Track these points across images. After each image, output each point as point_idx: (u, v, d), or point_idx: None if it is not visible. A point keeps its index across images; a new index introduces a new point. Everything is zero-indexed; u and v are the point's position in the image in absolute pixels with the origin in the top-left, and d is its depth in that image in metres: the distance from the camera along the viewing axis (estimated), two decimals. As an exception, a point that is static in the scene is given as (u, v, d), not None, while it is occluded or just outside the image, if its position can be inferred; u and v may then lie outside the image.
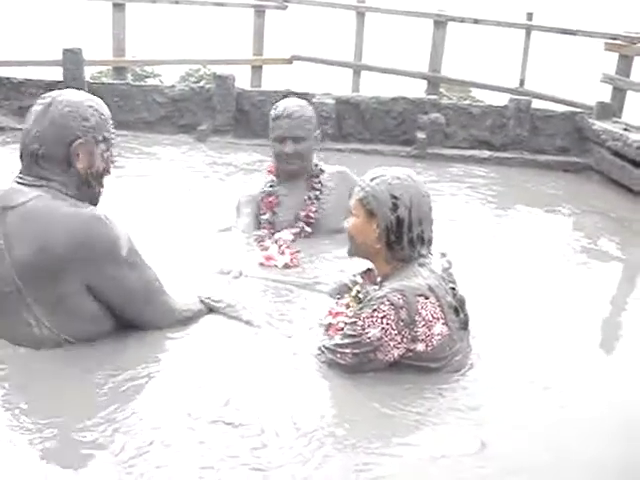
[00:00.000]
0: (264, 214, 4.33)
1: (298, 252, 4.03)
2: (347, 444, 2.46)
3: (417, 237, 2.93)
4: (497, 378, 2.93)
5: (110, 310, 2.95)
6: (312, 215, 4.32)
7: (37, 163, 2.89)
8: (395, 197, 2.92)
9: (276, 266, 3.90)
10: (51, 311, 2.83)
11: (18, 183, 2.92)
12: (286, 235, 4.21)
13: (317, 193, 4.35)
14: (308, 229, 4.30)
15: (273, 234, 4.24)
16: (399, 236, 2.92)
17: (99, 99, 3.10)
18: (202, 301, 3.31)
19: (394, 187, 2.93)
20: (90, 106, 2.98)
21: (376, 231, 2.96)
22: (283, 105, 4.30)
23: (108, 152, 3.05)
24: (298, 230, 4.28)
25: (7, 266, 2.82)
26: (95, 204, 3.03)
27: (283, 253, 4.00)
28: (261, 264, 3.92)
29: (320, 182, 4.37)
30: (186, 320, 3.16)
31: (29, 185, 2.89)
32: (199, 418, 2.51)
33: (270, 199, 4.34)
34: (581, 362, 3.18)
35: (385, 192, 2.93)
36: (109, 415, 2.50)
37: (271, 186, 4.37)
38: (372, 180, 2.99)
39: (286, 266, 3.90)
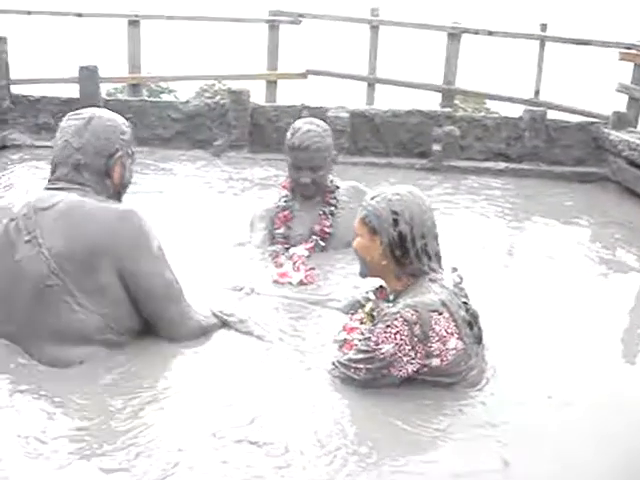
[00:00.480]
0: (278, 229, 4.32)
1: (313, 269, 4.02)
2: (370, 462, 2.46)
3: (421, 251, 2.95)
4: (515, 393, 2.91)
5: (136, 304, 3.05)
6: (327, 230, 4.31)
7: (78, 171, 3.07)
8: (396, 213, 2.95)
9: (290, 283, 3.89)
10: (95, 298, 2.95)
11: (50, 189, 3.08)
12: (301, 250, 4.20)
13: (332, 209, 4.34)
14: (322, 243, 4.29)
15: (287, 249, 4.23)
16: (405, 251, 2.94)
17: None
18: (214, 314, 3.33)
19: (394, 203, 2.97)
20: (123, 123, 3.22)
21: (380, 248, 2.98)
22: (300, 134, 4.22)
23: (132, 164, 3.26)
24: (312, 244, 4.26)
25: (46, 260, 2.93)
26: None
27: (298, 269, 3.99)
28: (275, 281, 3.91)
29: (335, 197, 4.36)
30: (202, 331, 3.21)
31: (62, 189, 3.05)
32: (223, 438, 2.50)
33: (285, 213, 4.34)
34: (600, 376, 3.16)
35: (386, 209, 2.97)
36: (130, 439, 2.49)
37: (285, 201, 4.38)
38: (373, 199, 3.04)
39: (301, 283, 3.89)
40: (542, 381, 3.02)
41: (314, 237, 4.29)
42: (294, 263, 4.05)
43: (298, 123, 4.34)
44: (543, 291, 4.06)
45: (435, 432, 2.63)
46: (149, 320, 3.11)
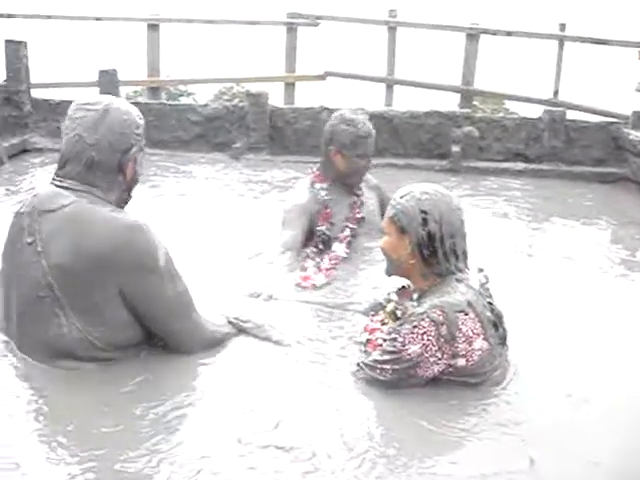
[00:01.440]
0: (321, 226, 4.35)
1: (334, 269, 4.08)
2: (399, 464, 2.46)
3: (450, 250, 2.94)
4: (539, 391, 2.92)
5: (139, 319, 2.92)
6: (359, 217, 4.43)
7: (90, 169, 2.89)
8: (425, 212, 2.94)
9: (314, 285, 3.92)
10: (85, 316, 2.81)
11: (57, 186, 2.91)
12: (340, 250, 4.28)
13: (362, 198, 4.50)
14: (354, 227, 4.41)
15: (323, 250, 4.27)
16: (433, 250, 2.94)
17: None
18: (230, 322, 3.28)
19: (423, 202, 2.96)
20: (138, 115, 3.04)
21: (408, 247, 2.98)
22: (363, 124, 4.39)
23: (142, 158, 3.10)
24: (349, 234, 4.36)
25: (43, 270, 2.82)
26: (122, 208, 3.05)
27: (322, 271, 4.05)
28: (298, 284, 3.92)
29: (361, 187, 4.53)
30: (214, 342, 3.13)
31: (69, 189, 2.89)
32: (249, 444, 2.49)
33: (327, 211, 4.38)
34: (621, 374, 3.14)
35: (415, 208, 2.96)
36: (153, 446, 2.48)
37: (326, 195, 4.41)
38: (402, 197, 3.02)
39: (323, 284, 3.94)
40: (564, 379, 3.03)
41: (350, 226, 4.40)
42: (318, 266, 4.10)
43: (349, 114, 4.46)
44: (563, 291, 4.05)
45: (461, 432, 2.64)
46: (157, 333, 3.00)
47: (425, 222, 2.94)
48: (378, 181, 4.76)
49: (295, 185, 4.73)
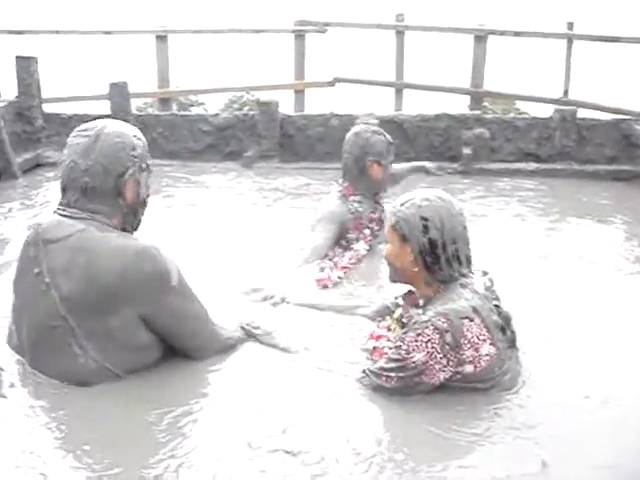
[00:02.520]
0: (352, 234, 4.48)
1: (351, 267, 4.21)
2: (407, 468, 2.46)
3: (452, 256, 2.93)
4: (551, 394, 2.91)
5: (161, 339, 2.96)
6: (383, 219, 4.54)
7: (86, 195, 2.89)
8: (425, 219, 2.93)
9: (330, 281, 4.05)
10: (100, 343, 2.82)
11: (60, 215, 2.92)
12: (362, 246, 4.42)
13: (383, 205, 4.65)
14: (377, 228, 4.57)
15: (345, 249, 4.42)
16: (435, 257, 2.93)
17: (135, 128, 3.12)
18: (242, 327, 3.32)
19: (424, 209, 2.95)
20: (134, 135, 3.01)
21: (411, 255, 2.97)
22: (383, 131, 4.61)
23: (149, 179, 3.09)
24: (369, 234, 4.51)
25: (53, 301, 2.82)
26: (136, 229, 3.07)
27: (337, 267, 4.18)
28: (317, 281, 4.05)
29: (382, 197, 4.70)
30: (229, 348, 3.19)
31: (72, 217, 2.89)
32: (259, 448, 2.52)
33: (361, 221, 4.51)
34: (636, 376, 3.13)
35: (415, 215, 2.95)
36: (171, 451, 2.52)
37: (359, 208, 4.54)
38: (402, 205, 3.02)
39: (337, 279, 4.08)
40: (579, 382, 3.01)
41: (371, 226, 4.56)
42: (335, 263, 4.23)
43: (370, 126, 4.64)
44: (578, 291, 4.05)
45: (472, 436, 2.64)
46: (179, 349, 3.04)
47: (426, 229, 2.93)
48: None
49: (326, 196, 4.78)
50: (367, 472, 2.43)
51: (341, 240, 4.46)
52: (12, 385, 2.89)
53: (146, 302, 2.85)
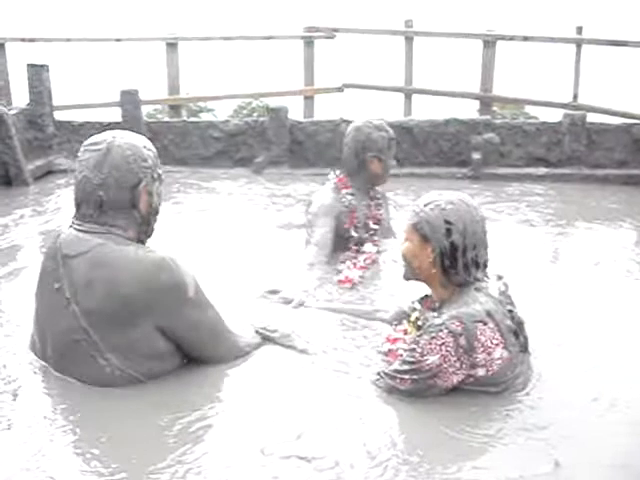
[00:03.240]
0: (348, 230, 4.47)
1: (367, 267, 4.25)
2: (422, 471, 2.47)
3: (471, 262, 2.94)
4: (562, 396, 2.92)
5: (180, 348, 3.00)
6: (380, 217, 4.61)
7: (101, 209, 2.91)
8: (449, 222, 2.93)
9: (352, 282, 4.08)
10: (123, 354, 2.86)
11: (76, 230, 2.94)
12: (371, 248, 4.43)
13: (380, 201, 4.66)
14: (376, 227, 4.57)
15: (357, 250, 4.42)
16: (454, 261, 2.94)
17: (145, 138, 3.13)
18: (257, 331, 3.33)
19: (448, 212, 2.94)
20: (144, 146, 3.01)
21: (431, 256, 2.97)
22: (387, 129, 4.62)
23: (161, 187, 3.09)
24: (374, 234, 4.53)
25: (74, 315, 2.86)
26: (150, 237, 3.09)
27: (357, 267, 4.22)
28: (340, 282, 4.08)
29: (379, 196, 4.69)
30: (246, 354, 3.20)
31: (89, 232, 2.91)
32: (272, 454, 2.52)
33: (354, 214, 4.50)
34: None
35: (439, 217, 2.94)
36: (180, 456, 2.52)
37: (351, 200, 4.52)
38: (426, 205, 3.01)
39: (359, 279, 4.11)
40: (590, 384, 3.02)
41: (372, 226, 4.56)
42: (354, 263, 4.26)
43: (373, 121, 4.66)
44: (588, 296, 4.05)
45: (485, 437, 2.65)
46: (197, 358, 3.07)
47: (449, 233, 2.93)
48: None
49: (319, 190, 4.77)
50: (382, 476, 2.43)
51: (339, 235, 4.44)
52: (28, 388, 2.92)
53: (164, 314, 2.88)
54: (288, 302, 3.75)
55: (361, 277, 4.15)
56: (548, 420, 2.74)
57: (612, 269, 4.55)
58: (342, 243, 4.44)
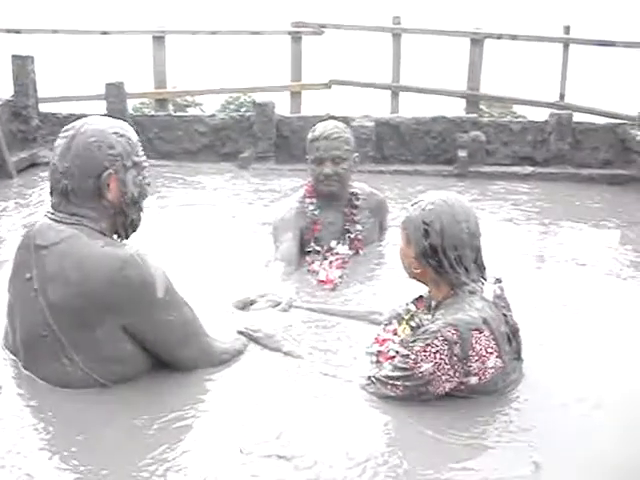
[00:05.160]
0: (309, 241, 4.32)
1: (343, 266, 4.16)
2: (400, 472, 2.46)
3: (456, 262, 2.91)
4: (549, 398, 2.91)
5: (147, 351, 2.89)
6: (360, 237, 4.38)
7: (67, 199, 2.83)
8: (426, 224, 2.91)
9: (333, 282, 3.99)
10: (87, 353, 2.77)
11: (50, 219, 2.86)
12: (343, 250, 4.29)
13: (355, 217, 4.40)
14: (362, 252, 4.37)
15: (324, 253, 4.27)
16: (438, 261, 2.92)
17: (125, 123, 3.00)
18: (241, 332, 3.25)
19: (426, 213, 2.93)
20: (115, 132, 2.87)
21: (413, 256, 2.98)
22: (321, 127, 4.34)
23: (140, 177, 2.95)
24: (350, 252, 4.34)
25: (41, 308, 2.78)
26: (134, 230, 2.99)
27: (334, 267, 4.13)
28: (321, 282, 4.01)
29: (356, 205, 4.42)
30: (224, 362, 3.08)
31: (62, 222, 2.83)
32: (251, 453, 2.50)
33: (317, 227, 4.34)
34: (632, 380, 3.13)
35: (418, 218, 2.94)
36: (159, 455, 2.50)
37: (313, 210, 4.36)
38: (412, 205, 3.02)
39: (339, 280, 4.01)
40: (575, 385, 3.02)
41: (351, 244, 4.36)
42: (330, 263, 4.15)
43: (319, 123, 4.44)
44: (572, 295, 4.05)
45: (467, 439, 2.64)
46: (166, 362, 2.96)
47: (427, 233, 2.92)
48: (382, 196, 4.70)
49: (285, 199, 4.68)
50: (360, 476, 2.42)
51: (303, 246, 4.31)
52: (2, 386, 2.88)
53: (129, 313, 2.77)
54: (276, 304, 3.63)
55: (340, 278, 4.07)
56: (532, 422, 2.74)
57: (595, 269, 4.56)
58: (308, 254, 4.32)
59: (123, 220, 2.93)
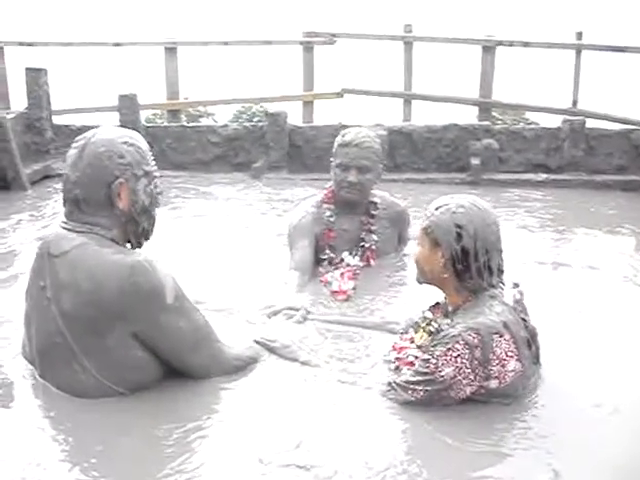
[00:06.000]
0: (323, 248, 4.30)
1: (355, 278, 4.12)
2: (419, 481, 2.44)
3: (484, 266, 2.89)
4: (565, 402, 2.90)
5: (159, 358, 2.89)
6: (374, 248, 4.35)
7: (79, 208, 2.86)
8: (459, 226, 2.88)
9: (347, 293, 3.96)
10: (99, 361, 2.78)
11: (63, 228, 2.89)
12: (354, 261, 4.26)
13: (372, 227, 4.37)
14: (373, 262, 4.33)
15: (335, 264, 4.25)
16: (467, 266, 2.89)
17: (135, 132, 3.02)
18: (257, 342, 3.25)
19: (458, 216, 2.90)
20: (125, 142, 2.91)
21: (441, 261, 2.93)
22: (352, 133, 4.28)
23: (151, 186, 2.97)
24: (363, 263, 4.30)
25: (53, 316, 2.80)
26: (146, 239, 3.01)
27: (345, 278, 4.08)
28: (335, 293, 3.97)
29: (374, 215, 4.39)
30: (236, 370, 3.08)
31: (73, 231, 2.85)
32: (270, 463, 2.50)
33: (331, 234, 4.32)
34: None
35: (449, 221, 2.90)
36: (178, 466, 2.50)
37: (329, 216, 4.34)
38: (437, 209, 2.96)
39: (352, 291, 3.97)
40: (593, 390, 3.00)
41: (364, 254, 4.33)
42: (342, 275, 4.10)
43: (350, 128, 4.40)
44: (588, 302, 4.03)
45: (485, 447, 2.63)
46: (178, 369, 2.96)
47: (460, 237, 2.88)
48: (403, 206, 4.65)
49: (302, 202, 4.66)
50: (379, 486, 2.42)
51: (318, 253, 4.29)
52: (22, 397, 2.90)
53: (139, 320, 2.78)
54: (292, 315, 3.61)
55: (354, 289, 4.04)
56: (550, 428, 2.73)
57: (610, 275, 4.54)
58: (321, 261, 4.30)
59: (134, 229, 2.96)
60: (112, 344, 2.77)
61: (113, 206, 2.87)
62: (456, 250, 2.89)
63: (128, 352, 2.81)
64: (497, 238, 2.94)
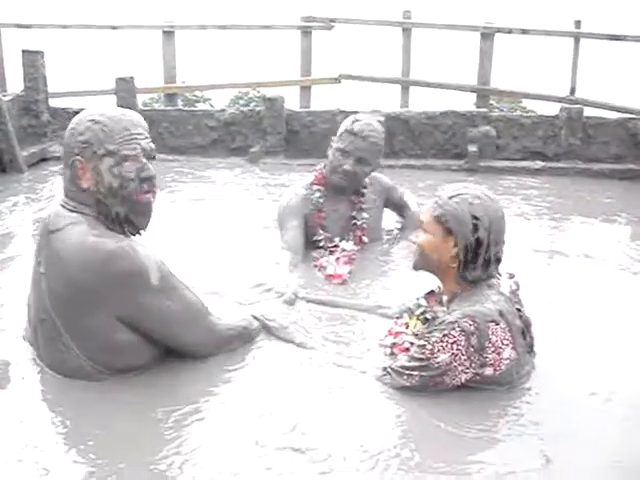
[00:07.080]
0: (313, 229, 4.33)
1: (351, 264, 4.13)
2: (412, 464, 2.48)
3: (493, 257, 2.90)
4: (559, 390, 2.92)
5: (150, 339, 2.88)
6: (364, 226, 4.39)
7: (64, 186, 2.91)
8: (476, 218, 2.87)
9: (342, 278, 3.97)
10: (82, 341, 2.78)
11: (60, 205, 2.91)
12: (348, 245, 4.27)
13: (363, 205, 4.42)
14: (365, 240, 4.38)
15: (329, 249, 4.26)
16: (475, 256, 2.89)
17: (128, 111, 2.92)
18: (256, 318, 3.25)
19: (475, 207, 2.88)
20: (92, 120, 2.81)
21: (452, 250, 2.91)
22: (363, 124, 4.27)
23: (119, 167, 2.80)
24: (357, 244, 4.33)
25: (43, 294, 2.81)
26: (133, 226, 2.90)
27: (341, 263, 4.09)
28: (329, 276, 4.00)
29: (364, 194, 4.44)
30: (232, 339, 3.09)
31: (66, 208, 2.86)
32: (266, 445, 2.52)
33: (321, 214, 4.35)
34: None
35: (466, 212, 2.88)
36: (175, 448, 2.52)
37: (319, 197, 4.37)
38: (451, 198, 2.92)
39: (347, 275, 3.99)
40: (587, 379, 3.02)
41: (355, 233, 4.36)
42: (337, 259, 4.11)
43: (361, 115, 4.40)
44: (583, 290, 4.05)
45: (479, 433, 2.65)
46: (172, 348, 2.95)
47: (476, 228, 2.87)
48: (391, 183, 4.69)
49: (293, 184, 4.67)
50: (373, 469, 2.45)
51: (308, 234, 4.31)
52: (19, 378, 2.91)
53: (122, 303, 2.76)
54: (283, 293, 3.62)
55: (349, 273, 4.05)
56: (543, 415, 2.75)
57: (607, 263, 4.55)
58: (313, 243, 4.32)
59: (107, 212, 2.85)
60: (95, 326, 2.76)
61: (76, 185, 2.84)
62: (470, 241, 2.88)
63: (113, 335, 2.79)
64: (504, 230, 2.95)
